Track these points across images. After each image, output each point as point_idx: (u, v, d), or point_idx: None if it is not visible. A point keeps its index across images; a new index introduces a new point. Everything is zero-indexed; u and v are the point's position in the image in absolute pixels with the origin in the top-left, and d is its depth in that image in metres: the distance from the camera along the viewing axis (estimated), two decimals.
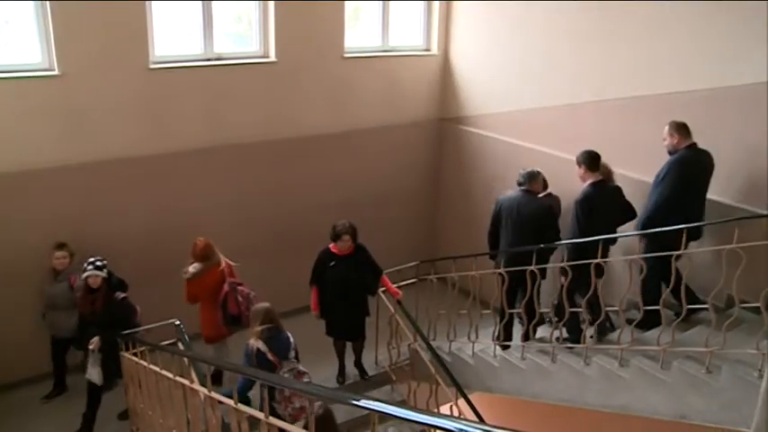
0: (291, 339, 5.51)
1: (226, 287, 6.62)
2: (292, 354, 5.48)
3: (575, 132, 7.31)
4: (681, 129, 5.80)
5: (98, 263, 6.03)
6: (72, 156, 6.79)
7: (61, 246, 6.66)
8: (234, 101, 7.60)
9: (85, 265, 6.04)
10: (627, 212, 6.29)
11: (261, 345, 5.29)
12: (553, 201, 6.92)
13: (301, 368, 5.38)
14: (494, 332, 6.50)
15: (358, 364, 7.39)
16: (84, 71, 6.62)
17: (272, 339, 5.36)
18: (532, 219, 6.27)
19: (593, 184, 5.99)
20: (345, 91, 8.37)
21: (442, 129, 9.29)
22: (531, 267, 5.80)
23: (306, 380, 5.35)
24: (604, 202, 6.01)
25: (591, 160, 6.00)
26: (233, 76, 7.53)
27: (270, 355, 5.28)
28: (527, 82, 7.92)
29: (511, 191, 6.60)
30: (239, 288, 6.64)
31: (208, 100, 7.45)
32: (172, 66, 7.18)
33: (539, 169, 6.57)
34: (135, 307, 6.33)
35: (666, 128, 5.91)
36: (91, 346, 5.98)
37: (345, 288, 6.65)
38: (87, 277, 5.99)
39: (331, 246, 6.59)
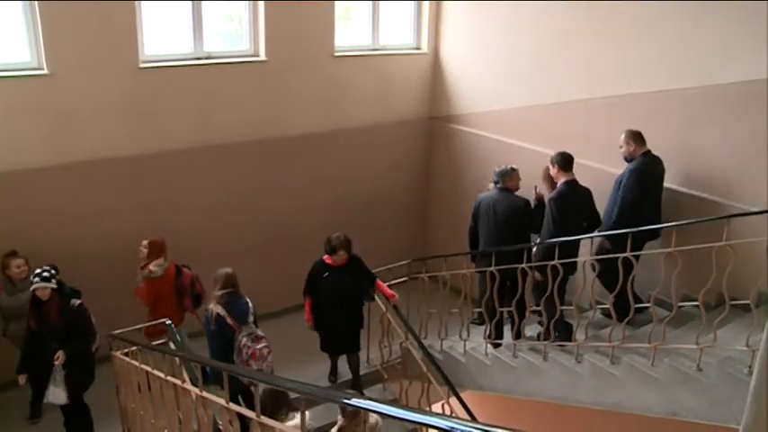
0: (250, 304, 5.75)
1: (190, 272, 6.84)
2: (251, 318, 5.70)
3: (564, 130, 7.34)
4: (636, 137, 6.07)
5: (45, 273, 5.62)
6: (61, 155, 6.76)
7: (13, 254, 6.35)
8: (224, 100, 7.58)
9: (32, 277, 5.68)
10: (592, 218, 6.41)
11: (220, 309, 5.45)
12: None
13: (259, 333, 5.54)
14: (485, 331, 6.51)
15: (356, 381, 7.00)
16: (73, 70, 6.59)
17: (230, 304, 5.56)
18: (508, 217, 6.47)
19: (567, 183, 6.17)
20: (336, 90, 8.36)
21: (433, 127, 9.29)
22: (523, 266, 5.84)
23: (264, 344, 5.55)
24: (577, 202, 6.20)
25: (564, 160, 6.18)
26: (223, 75, 7.51)
27: (229, 320, 5.41)
28: (517, 80, 7.93)
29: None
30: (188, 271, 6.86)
31: (198, 99, 7.42)
32: (161, 65, 7.15)
33: (513, 166, 6.65)
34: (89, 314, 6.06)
35: (623, 136, 6.16)
36: (56, 362, 5.62)
37: (340, 298, 6.46)
38: (35, 290, 5.59)
39: (325, 257, 6.39)
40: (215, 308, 5.54)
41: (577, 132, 7.19)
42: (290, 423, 4.40)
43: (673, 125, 6.29)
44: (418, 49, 8.98)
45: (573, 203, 6.16)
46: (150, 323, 6.29)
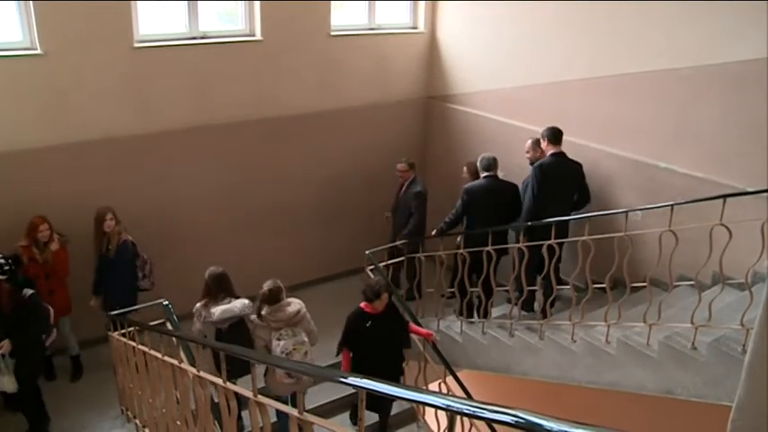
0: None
1: (145, 255, 6.93)
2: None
3: (561, 110, 7.31)
4: (536, 144, 6.74)
5: None
6: (55, 136, 6.71)
7: None
8: (219, 80, 7.53)
9: None
10: (582, 194, 6.69)
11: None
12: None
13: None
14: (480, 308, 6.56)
15: (383, 426, 6.30)
16: (66, 50, 6.53)
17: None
18: (507, 201, 6.93)
19: (554, 154, 6.51)
20: (332, 69, 8.31)
21: (429, 107, 9.27)
22: (520, 245, 5.91)
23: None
24: (561, 174, 6.49)
25: (554, 134, 6.53)
26: (218, 55, 7.46)
27: None
28: (514, 60, 7.90)
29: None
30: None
31: (193, 79, 7.38)
32: (156, 45, 7.09)
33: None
34: (47, 307, 6.02)
35: (528, 143, 6.88)
36: (1, 351, 5.47)
37: (384, 347, 5.88)
38: None
39: (363, 305, 5.78)
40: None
41: (575, 112, 7.18)
42: (226, 306, 5.57)
43: (671, 105, 6.28)
44: (415, 28, 8.93)
45: (558, 175, 6.46)
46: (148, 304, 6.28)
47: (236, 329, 5.69)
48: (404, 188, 8.00)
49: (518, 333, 6.12)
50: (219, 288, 5.69)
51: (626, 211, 5.39)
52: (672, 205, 4.98)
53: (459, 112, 8.77)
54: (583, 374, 5.56)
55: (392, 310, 5.93)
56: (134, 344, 5.39)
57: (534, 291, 6.31)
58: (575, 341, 5.59)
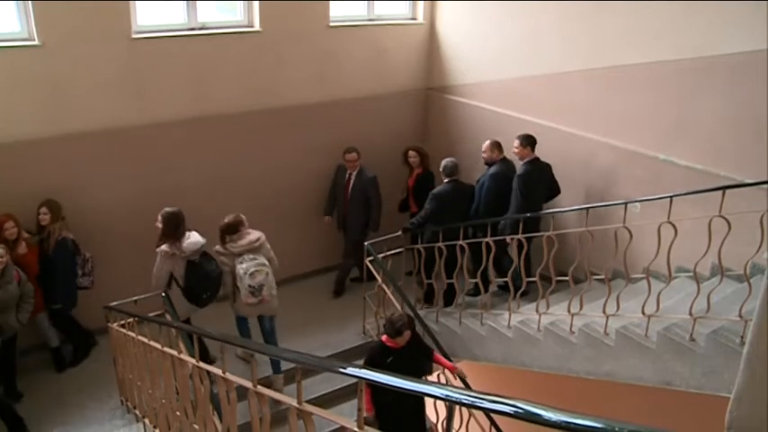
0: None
1: (87, 254, 6.91)
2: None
3: (562, 101, 7.31)
4: (496, 146, 7.17)
5: None
6: (53, 127, 6.69)
7: None
8: (218, 71, 7.52)
9: None
10: (553, 189, 7.12)
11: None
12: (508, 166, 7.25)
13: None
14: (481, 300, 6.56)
15: None
16: (64, 41, 6.50)
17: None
18: (467, 202, 7.35)
19: (531, 162, 6.88)
20: (331, 61, 8.30)
21: (429, 98, 9.26)
22: (519, 236, 5.90)
23: None
24: (540, 178, 6.93)
25: (530, 141, 6.90)
26: (217, 45, 7.44)
27: None
28: (514, 51, 7.88)
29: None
30: None
31: (191, 70, 7.36)
32: (155, 35, 7.06)
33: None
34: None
35: (487, 143, 7.22)
36: None
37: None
38: None
39: (384, 338, 5.46)
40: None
41: (575, 103, 7.17)
42: (192, 240, 6.07)
43: (671, 96, 6.27)
44: (414, 19, 8.91)
45: (538, 179, 6.89)
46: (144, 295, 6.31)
47: (206, 258, 6.20)
48: (353, 178, 8.15)
49: (516, 324, 6.13)
50: (178, 225, 6.08)
51: (625, 203, 5.38)
52: (671, 197, 4.98)
53: (458, 103, 8.76)
54: (581, 365, 5.57)
55: (415, 341, 5.58)
56: (133, 335, 5.40)
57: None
58: (573, 332, 5.60)
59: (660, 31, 6.24)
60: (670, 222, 4.90)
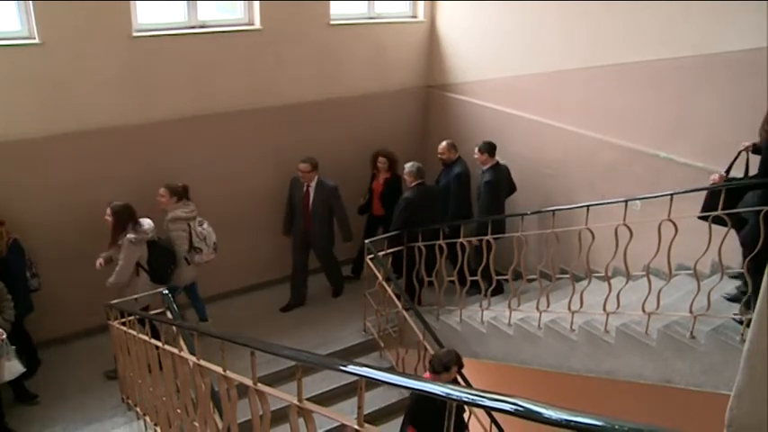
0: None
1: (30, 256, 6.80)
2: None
3: (561, 99, 7.31)
4: (453, 147, 7.66)
5: None
6: (54, 126, 6.68)
7: None
8: (218, 69, 7.51)
9: None
10: (511, 189, 7.63)
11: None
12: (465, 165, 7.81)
13: None
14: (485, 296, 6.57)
15: None
16: (64, 39, 6.50)
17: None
18: (438, 203, 7.68)
19: (494, 168, 7.28)
20: (331, 59, 8.29)
21: (429, 96, 9.25)
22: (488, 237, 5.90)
23: None
24: (502, 180, 7.39)
25: (492, 148, 7.28)
26: (217, 44, 7.43)
27: None
28: (514, 48, 7.88)
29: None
30: None
31: (192, 68, 7.35)
32: (155, 34, 7.06)
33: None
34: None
35: (444, 144, 7.74)
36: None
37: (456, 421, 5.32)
38: None
39: (427, 375, 5.08)
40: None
41: (574, 101, 7.17)
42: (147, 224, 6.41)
43: (671, 94, 6.27)
44: (414, 17, 8.90)
45: (501, 181, 7.36)
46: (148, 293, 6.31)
47: (162, 238, 6.72)
48: (312, 190, 7.67)
49: (516, 322, 6.14)
50: (131, 216, 6.35)
51: (625, 201, 5.38)
52: (671, 195, 4.97)
53: (458, 101, 8.76)
54: (581, 363, 5.57)
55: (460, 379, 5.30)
56: (134, 333, 5.40)
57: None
58: (574, 330, 5.60)
59: (660, 29, 6.24)
60: (670, 220, 4.90)
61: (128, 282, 6.36)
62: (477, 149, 7.31)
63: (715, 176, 5.09)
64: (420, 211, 7.34)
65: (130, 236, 6.25)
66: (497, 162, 7.31)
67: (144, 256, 6.46)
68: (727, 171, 5.14)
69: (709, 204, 4.99)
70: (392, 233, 7.31)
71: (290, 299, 8.26)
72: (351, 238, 8.03)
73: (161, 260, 6.60)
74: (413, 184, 7.41)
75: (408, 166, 7.44)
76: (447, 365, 4.90)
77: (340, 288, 8.49)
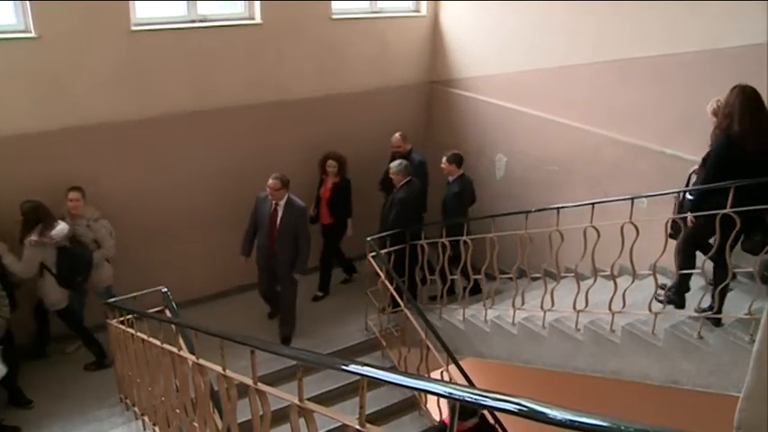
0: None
1: None
2: None
3: (567, 95, 7.29)
4: (460, 162, 7.49)
5: None
6: (51, 121, 6.68)
7: None
8: (218, 64, 7.50)
9: None
10: (473, 199, 7.86)
11: None
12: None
13: None
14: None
15: None
16: (62, 33, 6.49)
17: None
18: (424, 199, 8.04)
19: (461, 179, 7.47)
20: (333, 54, 8.28)
21: (432, 92, 9.25)
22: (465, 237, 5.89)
23: None
24: (468, 192, 7.63)
25: (459, 159, 7.45)
26: (218, 38, 7.42)
27: None
28: (519, 43, 7.86)
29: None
30: None
31: (191, 63, 7.35)
32: (154, 28, 7.05)
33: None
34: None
35: (399, 135, 8.04)
36: None
37: None
38: None
39: (445, 418, 5.11)
40: None
41: (579, 97, 7.15)
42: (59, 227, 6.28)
43: (678, 90, 6.25)
44: (417, 12, 8.90)
45: (467, 193, 7.59)
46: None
47: (76, 243, 6.61)
48: (281, 209, 7.02)
49: (520, 321, 6.13)
50: (42, 216, 6.25)
51: (631, 198, 5.36)
52: (678, 192, 4.96)
53: (462, 97, 8.75)
54: (587, 363, 5.56)
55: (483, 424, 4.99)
56: (133, 331, 5.40)
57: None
58: (579, 329, 5.59)
59: (665, 25, 6.22)
60: (677, 219, 4.88)
61: (37, 279, 6.41)
62: (445, 159, 7.42)
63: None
64: (411, 209, 7.50)
65: (33, 238, 6.22)
66: (463, 173, 7.49)
67: (51, 260, 6.39)
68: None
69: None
70: (389, 232, 7.27)
71: (270, 309, 7.95)
72: (303, 269, 7.29)
73: (70, 266, 6.50)
74: (402, 182, 7.42)
75: (395, 165, 7.43)
76: (474, 410, 4.62)
77: (291, 325, 7.59)
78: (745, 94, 4.71)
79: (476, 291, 7.20)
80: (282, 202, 6.98)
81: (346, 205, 8.08)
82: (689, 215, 4.96)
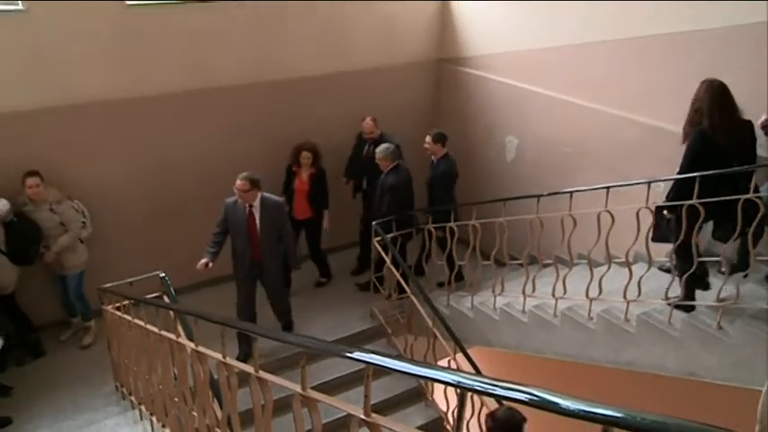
0: None
1: None
2: None
3: (582, 74, 7.25)
4: (445, 140, 7.51)
5: None
6: (39, 98, 6.66)
7: None
8: (217, 41, 7.46)
9: None
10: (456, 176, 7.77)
11: None
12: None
13: None
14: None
15: None
16: (51, 7, 6.42)
17: None
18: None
19: (446, 157, 7.51)
20: (337, 30, 8.22)
21: (441, 70, 9.20)
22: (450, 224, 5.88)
23: None
24: (454, 170, 7.62)
25: (445, 138, 7.50)
26: (216, 14, 7.36)
27: None
28: (533, 20, 7.79)
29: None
30: None
31: (189, 40, 7.30)
32: (150, 2, 7.02)
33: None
34: None
35: (370, 120, 7.94)
36: None
37: None
38: None
39: None
40: None
41: (595, 76, 7.11)
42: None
43: (697, 69, 6.20)
44: None
45: (454, 172, 7.59)
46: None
47: (20, 217, 6.54)
48: (257, 211, 6.59)
49: (531, 309, 6.14)
50: None
51: (648, 182, 5.35)
52: (698, 176, 4.92)
53: (472, 75, 8.70)
54: (600, 353, 5.57)
55: None
56: (129, 318, 5.42)
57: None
58: (592, 318, 5.59)
59: (687, 0, 6.16)
60: (697, 204, 4.84)
61: None
62: (430, 138, 7.45)
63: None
64: (405, 195, 7.50)
65: None
66: (447, 152, 7.51)
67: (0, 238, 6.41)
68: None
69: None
70: (386, 219, 7.24)
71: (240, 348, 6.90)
72: (295, 265, 7.11)
73: (20, 240, 6.51)
74: (390, 167, 7.37)
75: (382, 149, 7.35)
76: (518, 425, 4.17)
77: (289, 322, 7.37)
78: (713, 89, 4.93)
79: (459, 278, 7.36)
80: (257, 203, 6.54)
81: (324, 196, 7.92)
82: (665, 212, 5.16)
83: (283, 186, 7.87)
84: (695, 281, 5.09)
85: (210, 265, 6.54)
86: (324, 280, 8.53)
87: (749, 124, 5.07)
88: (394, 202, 7.32)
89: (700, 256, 4.91)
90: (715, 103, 4.87)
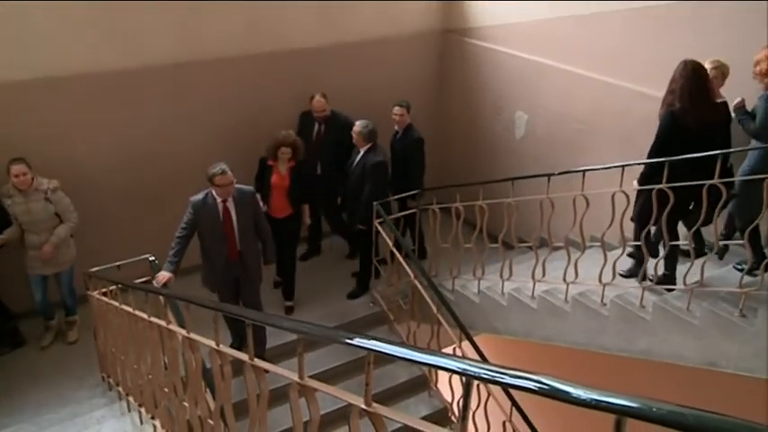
0: None
1: None
2: None
3: (596, 46, 7.22)
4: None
5: None
6: (23, 70, 6.63)
7: None
8: (209, 10, 7.40)
9: None
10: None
11: None
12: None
13: None
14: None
15: None
16: None
17: None
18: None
19: (412, 126, 7.76)
20: None
21: (447, 41, 9.16)
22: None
23: None
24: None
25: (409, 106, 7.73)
26: None
27: None
28: None
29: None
30: None
31: (180, 9, 7.26)
32: None
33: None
34: None
35: (322, 98, 7.84)
36: None
37: None
38: None
39: None
40: None
41: (610, 48, 7.08)
42: None
43: (720, 40, 6.18)
44: None
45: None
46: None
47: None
48: (233, 205, 6.18)
49: (540, 294, 6.15)
50: None
51: (665, 161, 5.33)
52: (718, 154, 4.91)
53: (479, 47, 8.67)
54: (614, 341, 5.58)
55: None
56: (117, 304, 5.42)
57: None
58: (605, 304, 5.60)
59: None
60: (717, 183, 4.83)
61: None
62: (399, 108, 7.65)
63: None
64: (386, 174, 7.55)
65: None
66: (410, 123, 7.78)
67: None
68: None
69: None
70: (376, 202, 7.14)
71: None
72: (273, 259, 6.78)
73: None
74: (365, 147, 7.35)
75: (364, 124, 7.28)
76: None
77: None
78: (688, 70, 5.04)
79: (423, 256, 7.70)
80: (232, 196, 6.15)
81: (305, 190, 7.47)
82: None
83: (255, 181, 7.33)
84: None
85: (173, 279, 5.85)
86: (290, 304, 7.76)
87: (724, 106, 5.22)
88: (381, 182, 7.33)
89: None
90: (686, 85, 5.00)
